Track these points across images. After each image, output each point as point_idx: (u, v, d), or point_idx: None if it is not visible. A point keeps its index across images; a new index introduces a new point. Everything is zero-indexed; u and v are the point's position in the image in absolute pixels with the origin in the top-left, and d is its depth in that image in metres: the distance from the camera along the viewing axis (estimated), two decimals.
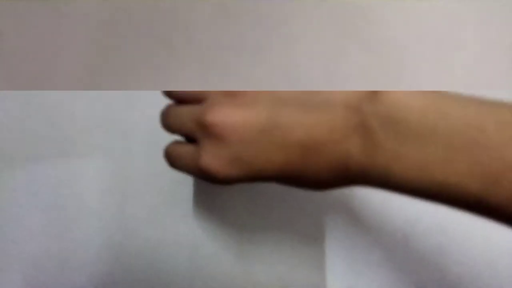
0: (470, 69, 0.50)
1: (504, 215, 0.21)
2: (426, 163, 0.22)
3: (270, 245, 0.46)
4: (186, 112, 0.29)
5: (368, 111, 0.23)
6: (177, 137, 0.33)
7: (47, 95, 0.48)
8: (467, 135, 0.21)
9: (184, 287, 0.46)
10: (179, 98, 0.32)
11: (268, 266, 0.46)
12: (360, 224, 0.46)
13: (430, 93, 0.24)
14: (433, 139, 0.22)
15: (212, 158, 0.26)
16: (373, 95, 0.24)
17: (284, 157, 0.25)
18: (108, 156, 0.46)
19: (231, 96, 0.27)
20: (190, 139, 0.30)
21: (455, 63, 0.50)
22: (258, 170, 0.26)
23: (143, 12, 0.48)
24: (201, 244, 0.46)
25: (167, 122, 0.31)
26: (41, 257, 0.45)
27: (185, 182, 0.46)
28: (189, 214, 0.46)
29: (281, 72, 0.48)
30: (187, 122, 0.28)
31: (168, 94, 0.33)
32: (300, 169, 0.25)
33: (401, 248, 0.45)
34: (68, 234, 0.45)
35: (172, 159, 0.31)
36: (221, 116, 0.26)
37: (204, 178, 0.28)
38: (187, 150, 0.29)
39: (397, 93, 0.23)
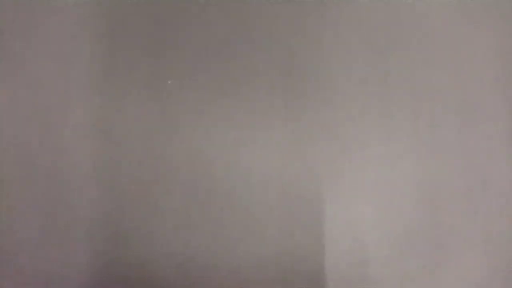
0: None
1: None
2: None
3: (266, 258, 0.46)
4: None
5: None
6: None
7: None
8: None
9: None
10: None
11: (261, 280, 0.46)
12: None
13: None
14: None
15: None
16: None
17: None
18: (100, 166, 0.47)
19: None
20: None
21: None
22: None
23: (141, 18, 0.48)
24: (194, 255, 0.46)
25: None
26: (32, 267, 0.45)
27: (176, 192, 0.46)
28: (181, 225, 0.47)
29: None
30: None
31: None
32: None
33: None
34: (60, 243, 0.45)
35: None
36: None
37: None
38: None
39: None
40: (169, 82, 0.48)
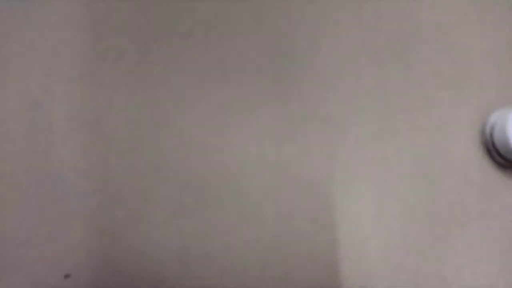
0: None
1: None
2: None
3: (263, 245, 0.45)
4: None
5: None
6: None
7: None
8: None
9: None
10: None
11: (259, 266, 0.46)
12: None
13: None
14: None
15: None
16: None
17: None
18: (91, 157, 0.46)
19: None
20: None
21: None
22: None
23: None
24: (189, 244, 0.46)
25: None
26: (29, 262, 0.45)
27: (169, 180, 0.46)
28: (176, 214, 0.46)
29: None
30: None
31: None
32: None
33: None
34: (54, 237, 0.45)
35: None
36: None
37: None
38: None
39: None
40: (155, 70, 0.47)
